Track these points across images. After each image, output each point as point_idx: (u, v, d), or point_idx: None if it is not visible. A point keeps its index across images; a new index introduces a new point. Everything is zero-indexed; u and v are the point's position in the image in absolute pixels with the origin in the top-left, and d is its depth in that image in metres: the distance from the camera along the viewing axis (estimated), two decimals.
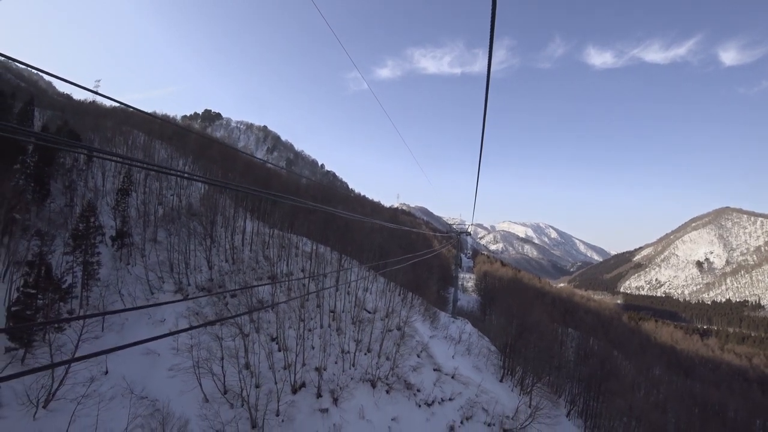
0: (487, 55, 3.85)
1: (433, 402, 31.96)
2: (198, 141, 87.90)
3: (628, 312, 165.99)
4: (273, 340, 36.20)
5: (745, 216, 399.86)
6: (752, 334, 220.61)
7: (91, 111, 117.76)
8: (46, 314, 34.38)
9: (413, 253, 43.93)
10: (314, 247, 47.15)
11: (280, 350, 34.99)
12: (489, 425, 31.48)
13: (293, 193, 63.34)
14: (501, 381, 37.44)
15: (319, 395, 31.05)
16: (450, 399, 32.55)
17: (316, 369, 32.63)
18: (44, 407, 28.05)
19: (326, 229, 48.31)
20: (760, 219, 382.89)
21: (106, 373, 31.99)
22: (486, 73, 4.18)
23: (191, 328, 4.62)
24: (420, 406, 31.63)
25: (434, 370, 35.03)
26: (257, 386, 33.08)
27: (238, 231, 54.09)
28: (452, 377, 34.47)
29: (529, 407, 33.02)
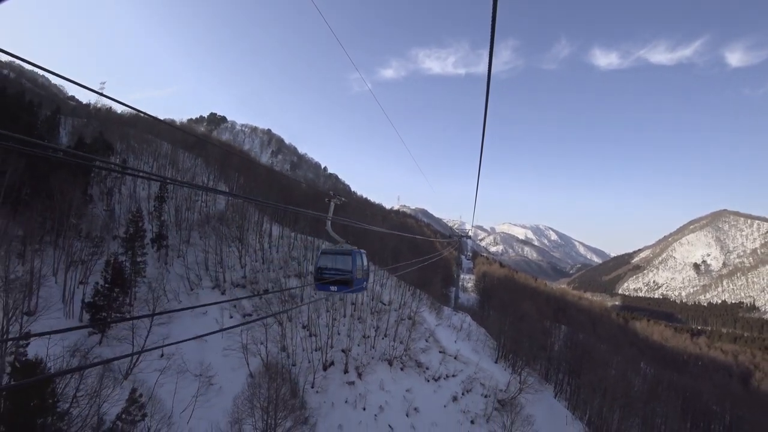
0: (488, 58, 3.77)
1: (439, 377, 38.94)
2: (219, 149, 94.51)
3: (617, 311, 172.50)
4: (305, 327, 43.11)
5: (742, 219, 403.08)
6: (745, 335, 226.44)
7: (113, 118, 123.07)
8: (116, 306, 41.84)
9: (420, 256, 50.93)
10: None
11: (311, 336, 41.91)
12: (485, 396, 38.43)
13: (312, 202, 70.01)
14: (496, 362, 44.42)
15: (346, 371, 38.01)
16: (453, 375, 39.53)
17: (343, 350, 39.57)
18: (125, 378, 35.46)
19: (346, 234, 55.10)
20: (756, 222, 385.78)
21: (162, 355, 39.15)
22: (486, 75, 4.08)
23: (238, 325, 8.75)
24: (429, 380, 38.60)
25: (440, 352, 42.05)
26: (293, 365, 40.03)
27: (264, 234, 60.93)
28: (455, 358, 41.48)
29: (519, 383, 39.95)
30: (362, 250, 10.69)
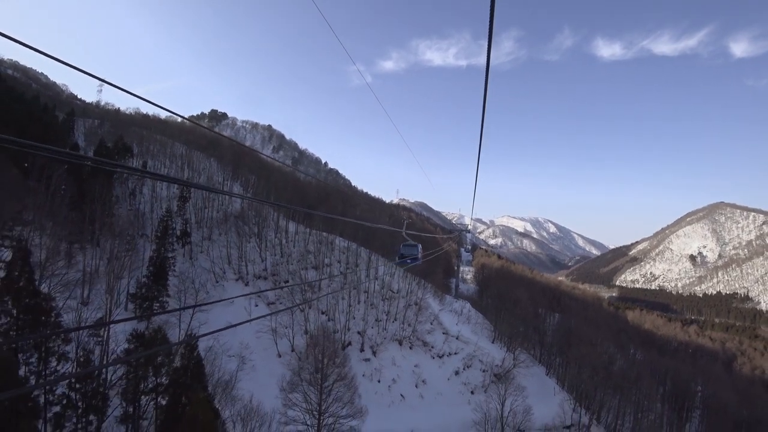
0: (486, 51, 3.65)
1: (443, 355, 44.72)
2: (232, 149, 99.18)
3: (614, 302, 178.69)
4: (323, 313, 48.76)
5: (738, 211, 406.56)
6: (736, 324, 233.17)
7: (122, 118, 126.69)
8: (157, 296, 47.47)
9: (424, 250, 56.50)
10: (348, 245, 59.82)
11: (329, 320, 47.58)
12: (483, 371, 44.26)
13: (324, 201, 75.38)
14: (493, 342, 50.24)
15: (362, 350, 43.76)
16: (455, 353, 45.34)
17: (359, 332, 45.30)
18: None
19: (357, 230, 60.81)
20: (752, 214, 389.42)
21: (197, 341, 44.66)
22: (485, 70, 3.93)
23: (271, 314, 12.92)
24: (434, 357, 44.39)
25: (443, 333, 47.83)
26: (315, 345, 45.75)
27: (281, 230, 66.32)
28: (456, 338, 47.27)
29: (513, 359, 45.77)
30: (419, 244, 17.09)
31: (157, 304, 47.33)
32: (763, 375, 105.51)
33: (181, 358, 21.35)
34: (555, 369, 61.56)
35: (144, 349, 19.26)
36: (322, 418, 24.50)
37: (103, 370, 20.49)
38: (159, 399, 20.08)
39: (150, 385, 19.91)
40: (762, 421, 62.22)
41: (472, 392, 42.06)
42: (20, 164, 50.84)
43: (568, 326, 65.22)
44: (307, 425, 24.83)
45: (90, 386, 17.36)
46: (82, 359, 17.71)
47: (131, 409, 20.88)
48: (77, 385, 16.93)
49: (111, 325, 35.63)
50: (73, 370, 19.13)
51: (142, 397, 20.71)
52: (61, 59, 3.26)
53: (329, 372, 27.14)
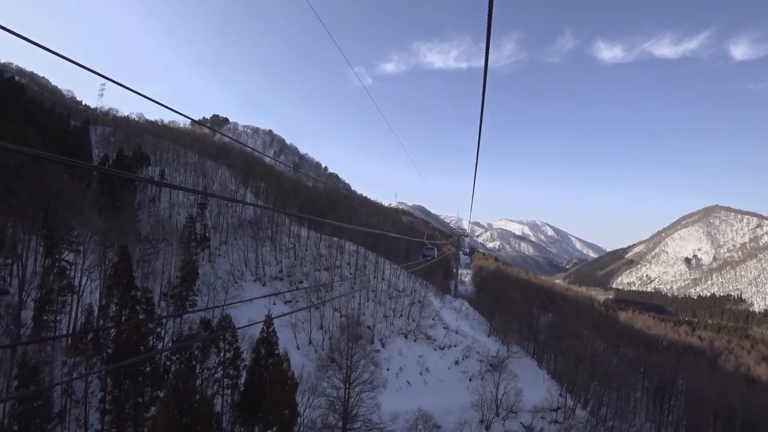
0: (484, 56, 3.60)
1: (444, 347, 50.12)
2: (242, 156, 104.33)
3: (609, 303, 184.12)
4: (336, 310, 54.09)
5: (733, 214, 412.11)
6: (729, 325, 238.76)
7: (134, 126, 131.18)
8: (186, 296, 52.34)
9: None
10: (356, 248, 65.32)
11: (342, 317, 52.89)
12: (480, 361, 49.63)
13: (332, 208, 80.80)
14: (489, 336, 55.66)
15: (372, 342, 49.06)
16: (455, 345, 50.75)
17: (368, 327, 50.63)
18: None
19: (365, 235, 66.25)
20: (746, 217, 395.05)
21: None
22: (483, 73, 3.91)
23: (291, 312, 17.75)
24: (436, 349, 49.78)
25: (444, 328, 53.28)
26: (330, 339, 51.02)
27: (293, 235, 71.67)
28: (456, 332, 52.70)
29: (507, 351, 51.17)
30: (435, 248, 22.68)
31: (188, 303, 52.54)
32: (748, 371, 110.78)
33: (261, 332, 27.00)
34: (547, 363, 66.91)
35: (209, 333, 24.67)
36: (349, 386, 29.88)
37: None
38: (226, 370, 25.58)
39: (217, 360, 25.35)
40: (737, 411, 67.50)
41: (470, 379, 47.38)
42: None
43: (559, 324, 70.66)
44: (336, 397, 30.22)
45: (184, 357, 22.87)
46: (175, 338, 23.15)
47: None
48: (173, 357, 22.39)
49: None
50: (150, 350, 24.52)
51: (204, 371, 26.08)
52: (83, 64, 3.15)
53: (356, 350, 32.57)
